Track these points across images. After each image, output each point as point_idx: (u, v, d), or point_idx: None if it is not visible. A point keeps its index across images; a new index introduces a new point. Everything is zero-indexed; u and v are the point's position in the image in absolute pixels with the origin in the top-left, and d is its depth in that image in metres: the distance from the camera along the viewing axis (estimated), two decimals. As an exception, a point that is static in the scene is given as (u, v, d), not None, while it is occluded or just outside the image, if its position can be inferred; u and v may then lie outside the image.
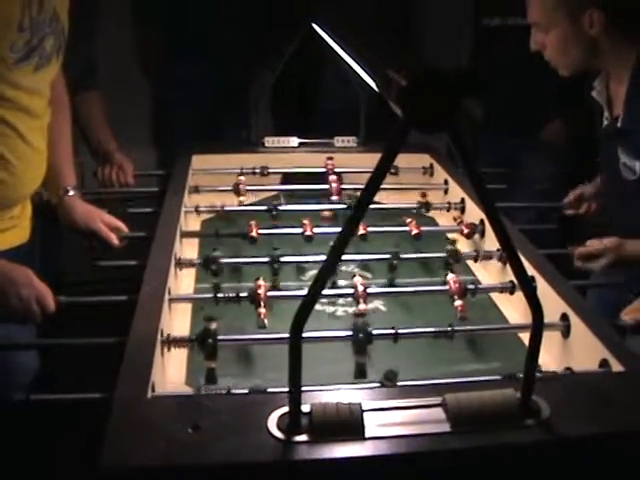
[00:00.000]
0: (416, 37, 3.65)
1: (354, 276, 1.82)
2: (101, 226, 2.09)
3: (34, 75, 1.76)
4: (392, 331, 1.55)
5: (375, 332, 1.53)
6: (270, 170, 2.62)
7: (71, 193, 2.08)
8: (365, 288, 1.76)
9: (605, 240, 1.94)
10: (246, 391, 1.39)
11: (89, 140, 2.70)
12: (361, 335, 1.51)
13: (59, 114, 2.03)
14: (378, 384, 1.42)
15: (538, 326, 1.17)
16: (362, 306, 1.74)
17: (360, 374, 1.50)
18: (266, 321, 1.66)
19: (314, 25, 2.27)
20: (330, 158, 2.66)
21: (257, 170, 2.59)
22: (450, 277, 1.80)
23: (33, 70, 1.75)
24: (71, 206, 2.09)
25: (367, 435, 1.15)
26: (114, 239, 2.09)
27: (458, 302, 1.75)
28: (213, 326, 1.51)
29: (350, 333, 1.53)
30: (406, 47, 3.41)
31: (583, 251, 1.96)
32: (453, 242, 2.03)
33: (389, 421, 1.19)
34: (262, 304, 1.70)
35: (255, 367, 1.60)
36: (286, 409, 1.17)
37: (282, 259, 1.96)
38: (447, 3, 3.55)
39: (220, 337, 1.51)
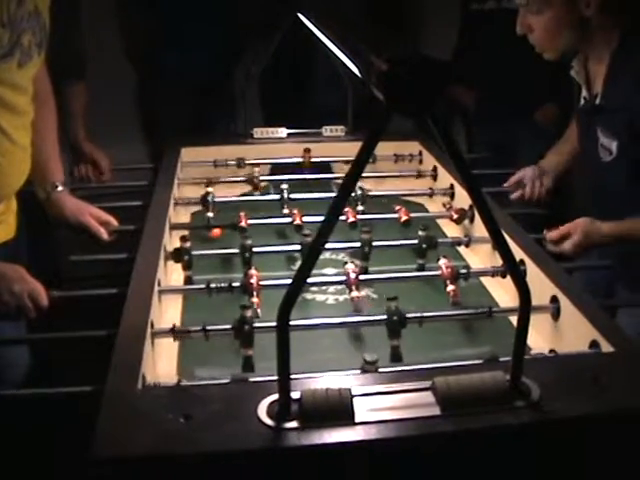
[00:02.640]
0: (410, 23, 3.65)
1: (345, 264, 1.82)
2: (91, 220, 2.08)
3: (18, 71, 1.75)
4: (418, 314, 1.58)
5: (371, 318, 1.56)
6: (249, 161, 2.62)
7: (59, 189, 2.08)
8: (357, 275, 1.76)
9: (574, 222, 1.96)
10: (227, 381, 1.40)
11: (68, 132, 2.69)
12: (395, 318, 1.54)
13: (44, 108, 2.01)
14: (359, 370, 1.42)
15: (525, 308, 1.17)
16: (355, 293, 1.74)
17: (395, 357, 1.53)
18: (259, 311, 1.66)
19: (299, 14, 2.27)
20: (307, 150, 2.65)
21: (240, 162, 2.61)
22: (442, 262, 1.81)
23: (17, 66, 1.74)
24: (60, 201, 2.08)
25: (357, 420, 1.15)
26: (104, 233, 2.08)
27: (451, 287, 1.76)
28: (248, 313, 1.52)
29: (385, 317, 1.55)
30: (400, 33, 3.40)
31: (553, 234, 1.97)
32: (425, 228, 2.00)
33: (379, 406, 1.19)
34: (255, 294, 1.70)
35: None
36: (276, 396, 1.17)
37: (271, 249, 1.97)
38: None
39: (256, 325, 1.53)
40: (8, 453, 1.91)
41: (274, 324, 1.44)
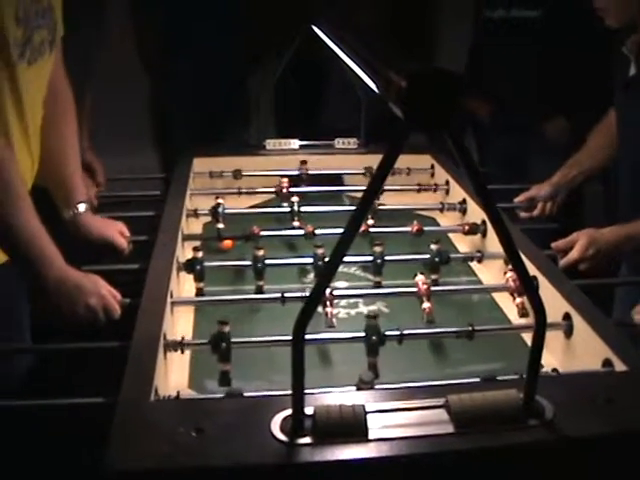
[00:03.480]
0: (425, 37, 3.64)
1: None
2: (115, 234, 2.08)
3: (27, 69, 1.72)
4: (397, 332, 1.55)
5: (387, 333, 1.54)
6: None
7: (83, 209, 2.05)
8: (428, 287, 1.76)
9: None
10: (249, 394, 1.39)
11: None
12: (374, 337, 1.52)
13: (65, 118, 1.99)
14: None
15: (541, 327, 1.16)
16: (426, 304, 1.73)
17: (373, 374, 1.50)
18: (334, 320, 1.67)
19: (313, 27, 2.27)
20: (304, 162, 2.64)
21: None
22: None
23: (27, 65, 1.71)
24: (86, 223, 2.05)
25: (371, 437, 1.15)
26: (126, 247, 2.09)
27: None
28: (226, 329, 1.51)
29: (362, 334, 1.54)
30: (415, 47, 3.39)
31: (559, 244, 1.97)
32: (437, 241, 1.98)
33: (393, 423, 1.18)
34: (329, 304, 1.70)
35: (260, 369, 1.59)
36: (289, 411, 1.17)
37: (283, 261, 1.96)
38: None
39: (233, 340, 1.52)
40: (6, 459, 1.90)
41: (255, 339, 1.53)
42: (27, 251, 1.66)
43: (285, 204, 2.38)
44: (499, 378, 1.41)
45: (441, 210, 2.42)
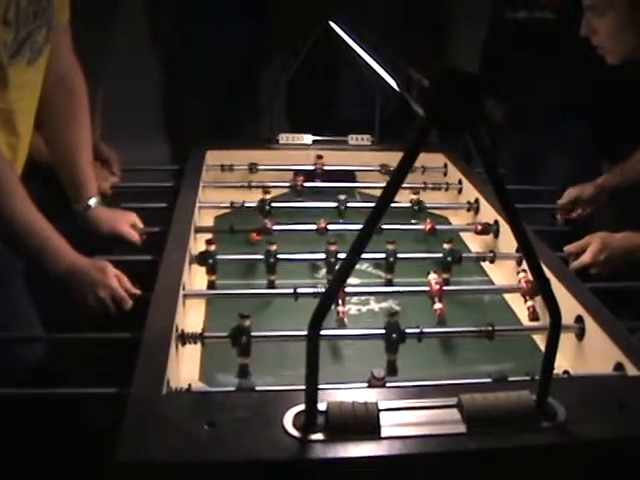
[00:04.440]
0: (444, 32, 3.61)
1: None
2: (125, 227, 2.09)
3: (27, 69, 1.71)
4: (417, 330, 1.55)
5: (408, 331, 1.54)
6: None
7: (95, 204, 2.06)
8: (440, 287, 1.76)
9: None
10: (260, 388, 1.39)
11: None
12: (394, 335, 1.52)
13: (78, 113, 1.99)
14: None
15: (555, 328, 1.17)
16: (437, 305, 1.73)
17: (392, 371, 1.51)
18: (346, 320, 1.67)
19: (331, 23, 2.27)
20: (320, 157, 2.64)
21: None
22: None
23: (26, 64, 1.70)
24: (97, 217, 2.07)
25: (383, 435, 1.15)
26: (137, 239, 2.10)
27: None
28: (247, 323, 1.51)
29: (382, 331, 1.54)
30: (436, 44, 3.37)
31: (571, 247, 1.97)
32: (450, 240, 1.98)
33: (405, 421, 1.18)
34: (341, 302, 1.70)
35: (271, 365, 1.59)
36: (302, 407, 1.17)
37: (295, 256, 1.97)
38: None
39: (253, 334, 1.52)
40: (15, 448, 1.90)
41: (272, 333, 1.52)
42: (30, 246, 1.67)
43: (300, 199, 2.41)
44: (510, 379, 1.41)
45: (454, 209, 2.42)
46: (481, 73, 3.00)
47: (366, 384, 1.37)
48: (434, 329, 1.61)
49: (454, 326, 1.68)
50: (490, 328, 1.58)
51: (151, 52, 3.49)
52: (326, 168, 2.61)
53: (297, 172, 2.60)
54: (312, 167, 2.61)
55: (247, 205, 2.28)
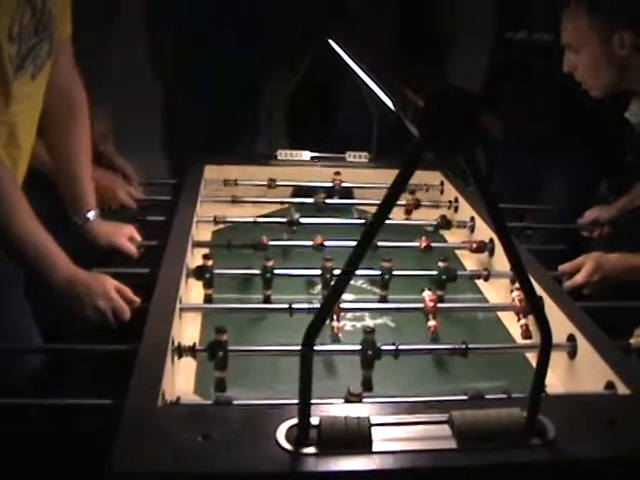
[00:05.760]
0: (442, 51, 3.63)
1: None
2: (122, 240, 2.11)
3: (31, 83, 1.73)
4: (392, 347, 1.55)
5: (383, 348, 1.54)
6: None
7: (93, 217, 2.08)
8: (435, 304, 1.77)
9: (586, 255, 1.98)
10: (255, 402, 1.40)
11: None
12: (369, 352, 1.53)
13: (78, 125, 2.01)
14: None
15: (546, 347, 1.18)
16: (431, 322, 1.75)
17: (367, 387, 1.51)
18: (340, 335, 1.68)
19: (329, 41, 2.29)
20: (338, 173, 2.66)
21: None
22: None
23: (30, 78, 1.72)
24: (94, 230, 2.09)
25: (374, 449, 1.16)
26: (135, 252, 2.12)
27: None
28: (224, 337, 1.52)
29: (359, 348, 1.54)
30: (431, 65, 3.38)
31: (565, 267, 1.98)
32: (445, 259, 1.99)
33: (396, 436, 1.20)
34: (336, 317, 1.71)
35: (265, 378, 1.60)
36: (295, 421, 1.18)
37: (291, 272, 1.98)
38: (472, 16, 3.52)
39: (230, 348, 1.52)
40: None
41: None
42: (30, 258, 1.68)
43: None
44: (487, 396, 1.43)
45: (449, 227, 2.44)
46: (479, 92, 3.01)
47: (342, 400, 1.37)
48: (409, 346, 1.60)
49: (438, 343, 1.69)
50: (464, 346, 1.59)
51: (150, 67, 3.51)
52: (345, 185, 2.64)
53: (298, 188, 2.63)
54: (331, 184, 2.63)
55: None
